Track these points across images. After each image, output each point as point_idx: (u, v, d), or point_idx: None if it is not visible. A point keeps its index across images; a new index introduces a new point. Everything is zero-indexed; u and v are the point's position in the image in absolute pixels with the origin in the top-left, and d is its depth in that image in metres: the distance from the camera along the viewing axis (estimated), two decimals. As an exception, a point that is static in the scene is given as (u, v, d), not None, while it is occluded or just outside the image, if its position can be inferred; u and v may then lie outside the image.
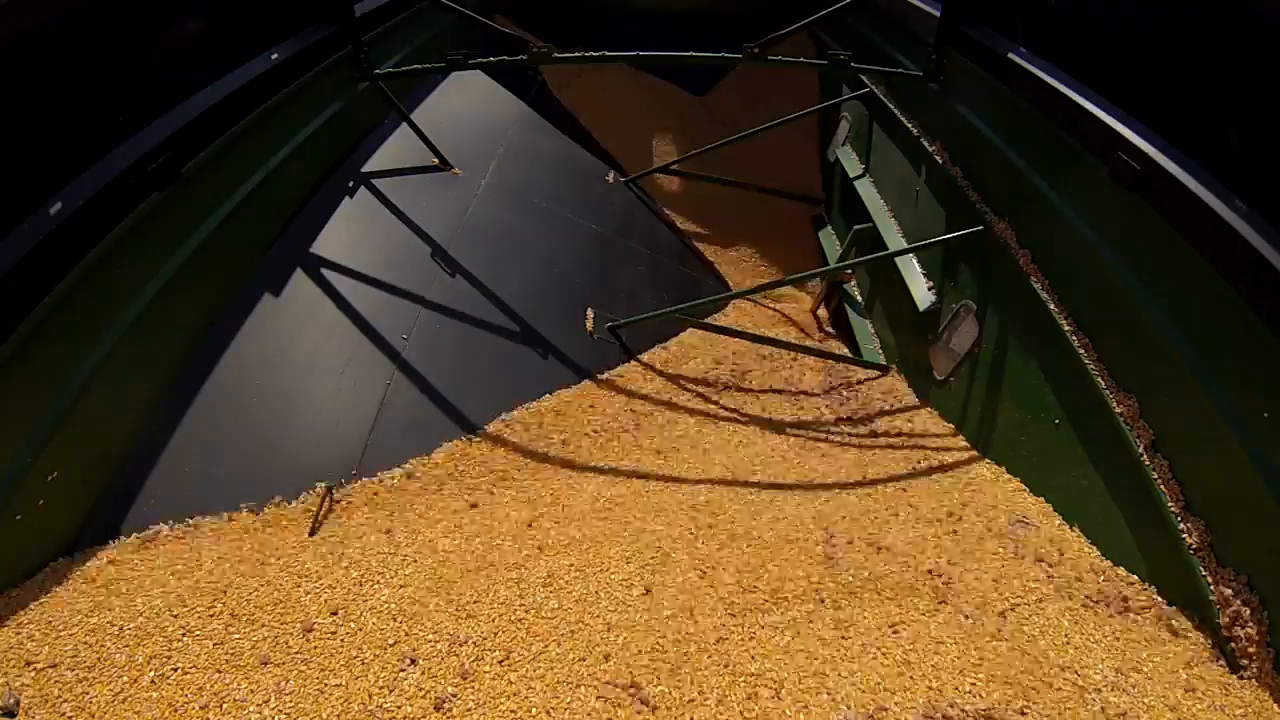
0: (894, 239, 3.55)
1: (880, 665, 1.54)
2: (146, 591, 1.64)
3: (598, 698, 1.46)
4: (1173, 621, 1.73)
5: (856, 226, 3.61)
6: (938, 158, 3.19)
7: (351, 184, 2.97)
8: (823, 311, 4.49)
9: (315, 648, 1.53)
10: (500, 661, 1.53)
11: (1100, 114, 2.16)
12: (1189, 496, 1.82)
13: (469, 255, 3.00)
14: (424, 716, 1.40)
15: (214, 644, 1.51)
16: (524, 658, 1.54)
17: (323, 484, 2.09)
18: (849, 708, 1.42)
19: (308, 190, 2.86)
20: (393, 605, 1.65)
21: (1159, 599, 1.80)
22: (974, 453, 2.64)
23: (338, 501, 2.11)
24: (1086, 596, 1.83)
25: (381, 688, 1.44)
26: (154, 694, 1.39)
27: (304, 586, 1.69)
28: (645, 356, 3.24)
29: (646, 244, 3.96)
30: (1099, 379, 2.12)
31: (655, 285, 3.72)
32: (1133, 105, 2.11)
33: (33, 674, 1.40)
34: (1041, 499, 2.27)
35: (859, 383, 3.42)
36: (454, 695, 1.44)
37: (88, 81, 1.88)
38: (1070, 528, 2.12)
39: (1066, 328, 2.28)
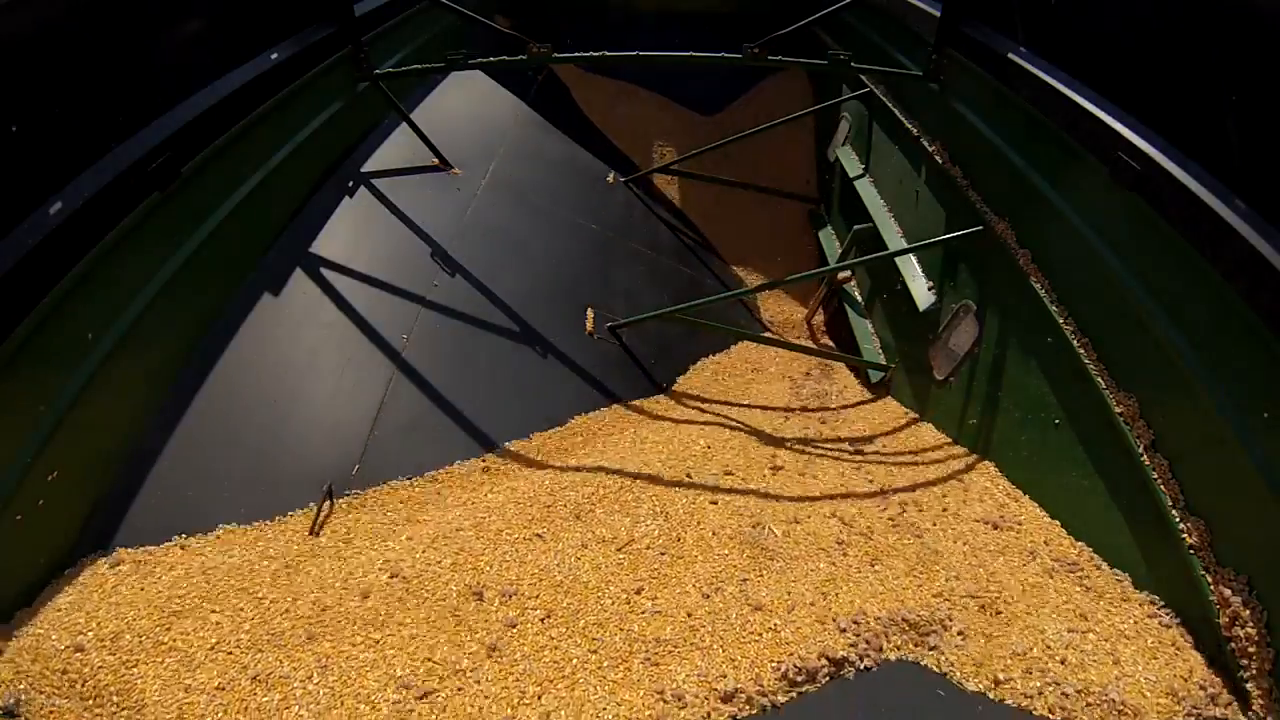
0: (894, 239, 3.55)
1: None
2: (180, 582, 1.69)
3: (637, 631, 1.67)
4: (1121, 585, 1.90)
5: (856, 226, 3.61)
6: (938, 158, 3.19)
7: (351, 184, 2.97)
8: (818, 319, 4.49)
9: (365, 615, 1.63)
10: (542, 619, 1.66)
11: (1100, 114, 2.16)
12: (1189, 496, 1.82)
13: (469, 255, 3.00)
14: (480, 660, 1.53)
15: (258, 623, 1.58)
16: (564, 615, 1.68)
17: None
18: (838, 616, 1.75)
19: (308, 190, 2.85)
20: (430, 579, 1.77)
21: (1105, 564, 1.97)
22: (973, 455, 2.65)
23: (345, 497, 2.11)
24: (1049, 565, 1.97)
25: (432, 644, 1.57)
26: (201, 676, 1.45)
27: (341, 569, 1.79)
28: (644, 362, 3.24)
29: (646, 244, 3.96)
30: (1099, 379, 2.12)
31: (655, 285, 3.71)
32: (1133, 105, 2.11)
33: (80, 657, 1.44)
34: (1012, 482, 2.39)
35: (858, 403, 3.44)
36: (502, 645, 1.57)
37: (87, 81, 1.88)
38: (1041, 509, 2.22)
39: (1066, 328, 2.28)
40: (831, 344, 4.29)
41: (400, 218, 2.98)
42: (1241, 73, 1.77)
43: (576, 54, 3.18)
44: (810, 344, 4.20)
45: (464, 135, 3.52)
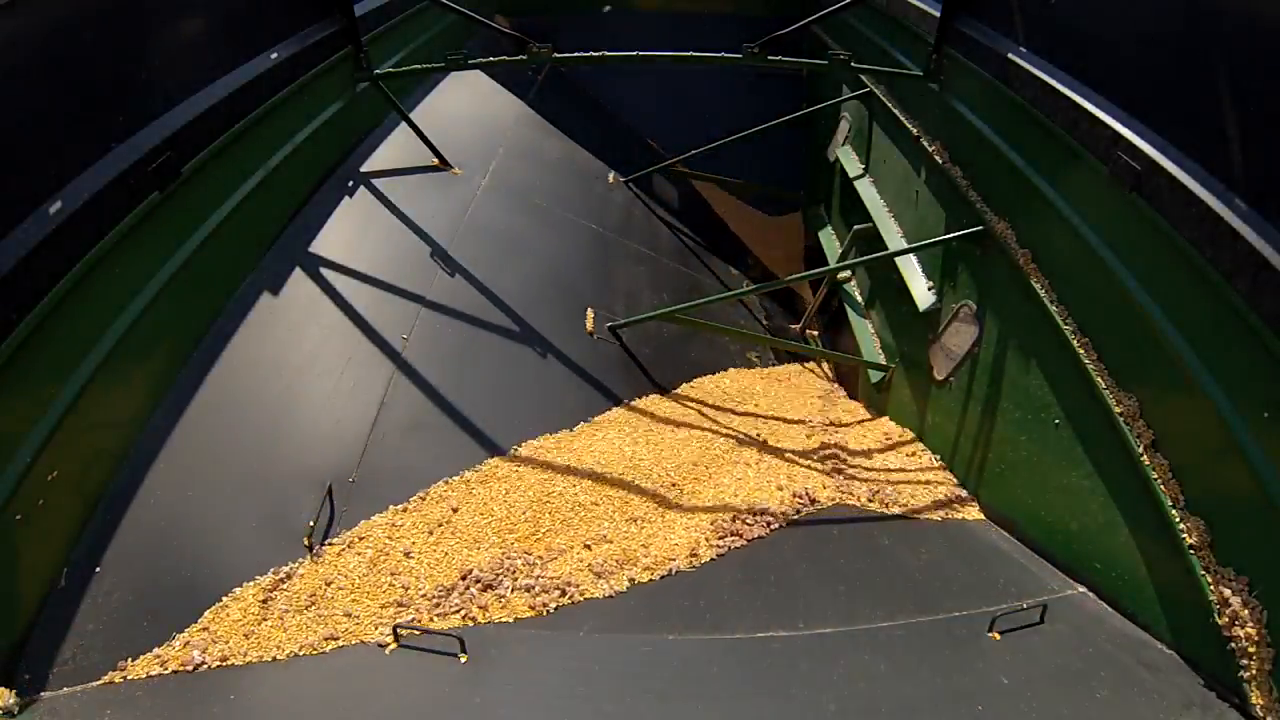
0: (894, 239, 3.54)
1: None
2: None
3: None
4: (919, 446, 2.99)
5: (856, 226, 3.61)
6: (938, 158, 3.18)
7: (351, 184, 2.97)
8: (811, 332, 4.49)
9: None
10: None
11: (1100, 114, 2.15)
12: (1189, 496, 1.81)
13: (469, 255, 3.00)
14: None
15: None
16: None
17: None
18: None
19: (308, 190, 2.85)
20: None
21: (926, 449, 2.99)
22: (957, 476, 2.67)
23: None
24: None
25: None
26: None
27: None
28: (644, 362, 3.24)
29: (646, 244, 3.96)
30: (1099, 379, 2.12)
31: (655, 285, 3.71)
32: (1132, 104, 2.11)
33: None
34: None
35: (854, 423, 3.44)
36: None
37: (87, 81, 1.88)
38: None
39: (1066, 328, 2.28)
40: (830, 344, 4.29)
41: (400, 218, 2.98)
42: (1241, 72, 1.77)
43: (576, 54, 3.18)
44: (809, 344, 4.20)
45: (464, 135, 3.52)
